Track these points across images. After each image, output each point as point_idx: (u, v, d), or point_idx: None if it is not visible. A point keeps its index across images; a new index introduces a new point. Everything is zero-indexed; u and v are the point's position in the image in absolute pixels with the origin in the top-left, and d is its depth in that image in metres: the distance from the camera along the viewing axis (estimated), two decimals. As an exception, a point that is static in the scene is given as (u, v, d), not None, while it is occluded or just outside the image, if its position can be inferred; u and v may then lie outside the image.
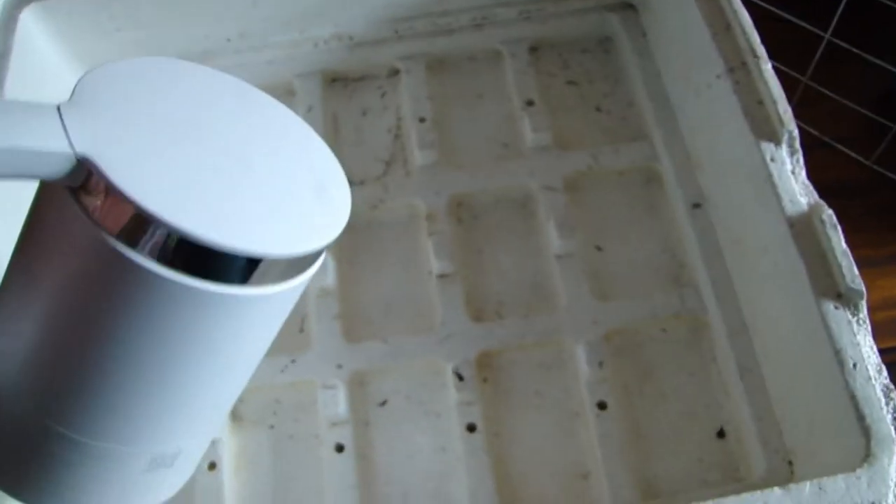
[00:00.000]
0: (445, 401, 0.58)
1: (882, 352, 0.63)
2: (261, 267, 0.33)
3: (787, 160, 0.52)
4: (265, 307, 0.36)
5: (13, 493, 0.39)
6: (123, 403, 0.36)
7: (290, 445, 0.59)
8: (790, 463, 0.53)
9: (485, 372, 0.59)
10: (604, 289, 0.61)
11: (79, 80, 0.33)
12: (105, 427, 0.37)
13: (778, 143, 0.53)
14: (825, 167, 0.70)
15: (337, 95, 0.71)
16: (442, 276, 0.61)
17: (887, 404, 0.46)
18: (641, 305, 0.60)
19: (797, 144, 0.53)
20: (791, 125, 0.52)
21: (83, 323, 0.34)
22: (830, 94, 0.69)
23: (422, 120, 0.67)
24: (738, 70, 0.55)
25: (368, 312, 0.62)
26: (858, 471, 0.44)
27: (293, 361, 0.59)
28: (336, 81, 0.71)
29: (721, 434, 0.57)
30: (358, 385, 0.59)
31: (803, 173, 0.52)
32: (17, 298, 0.36)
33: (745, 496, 0.44)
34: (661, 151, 0.64)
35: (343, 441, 0.57)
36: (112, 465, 0.38)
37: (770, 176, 0.52)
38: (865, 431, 0.45)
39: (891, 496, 0.44)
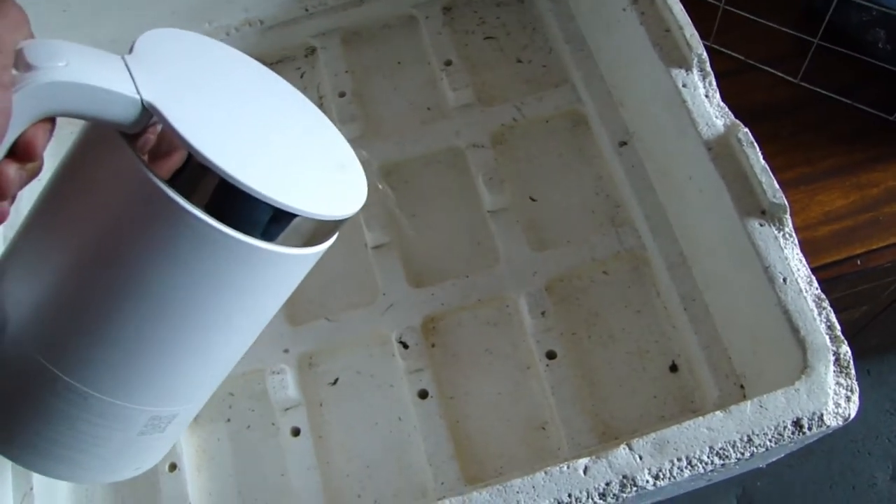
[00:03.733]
0: (396, 370, 0.58)
1: (827, 266, 0.63)
2: (292, 226, 0.35)
3: (700, 84, 0.52)
4: (286, 269, 0.38)
5: (4, 452, 0.39)
6: (138, 355, 0.36)
7: (248, 436, 0.58)
8: (742, 387, 0.53)
9: (432, 337, 0.59)
10: (542, 238, 0.61)
11: (137, 39, 0.35)
12: (114, 380, 0.37)
13: (689, 68, 0.52)
14: (754, 90, 0.70)
15: (257, 81, 0.70)
16: (378, 247, 0.61)
17: (820, 314, 0.46)
18: (580, 250, 0.59)
19: (708, 67, 0.52)
20: (699, 49, 0.52)
21: (115, 266, 0.34)
22: (750, 17, 0.68)
23: (342, 95, 0.66)
24: (642, 0, 0.55)
25: (309, 293, 0.61)
26: (797, 383, 0.44)
27: (241, 352, 0.59)
28: (255, 67, 0.70)
29: (674, 368, 0.57)
30: (307, 367, 0.59)
31: (717, 96, 0.52)
32: (44, 238, 0.36)
33: (687, 424, 0.44)
34: (584, 94, 0.63)
35: (298, 424, 0.57)
36: (111, 424, 0.38)
37: (684, 102, 0.51)
38: (801, 343, 0.45)
39: (830, 403, 0.44)
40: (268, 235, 0.34)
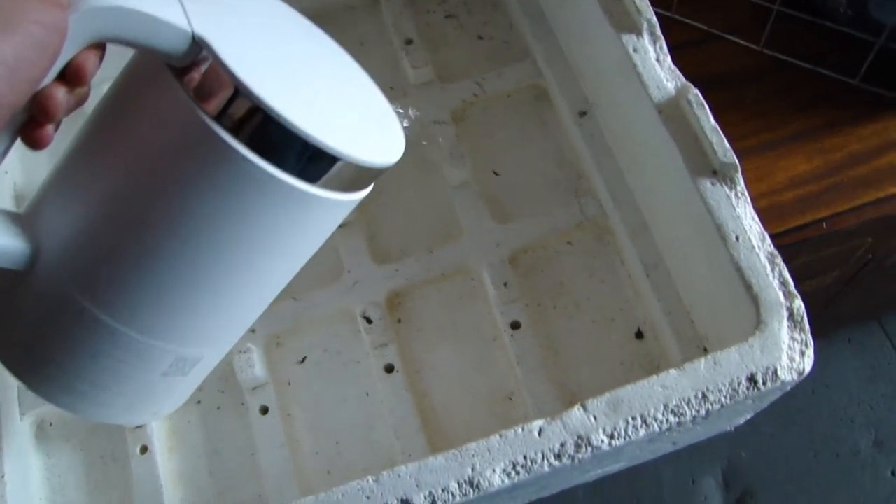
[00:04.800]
0: (362, 347, 0.58)
1: (793, 231, 0.63)
2: (334, 170, 0.35)
3: (650, 49, 0.52)
4: (322, 213, 0.38)
5: (27, 383, 0.39)
6: (168, 291, 0.36)
7: (218, 417, 0.59)
8: (705, 349, 0.53)
9: (397, 312, 0.59)
10: (505, 211, 0.61)
11: None
12: (142, 316, 0.37)
13: (639, 33, 0.52)
14: (717, 59, 0.70)
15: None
16: (342, 225, 0.60)
17: (773, 270, 0.46)
18: (543, 221, 0.59)
19: (658, 31, 0.52)
20: (648, 13, 0.52)
21: (153, 198, 0.35)
22: (710, -14, 0.69)
23: (304, 75, 0.66)
24: (592, -32, 0.55)
25: (276, 274, 0.61)
26: (751, 339, 0.44)
27: (209, 334, 0.59)
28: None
29: (639, 335, 0.57)
30: (275, 346, 0.59)
31: (668, 59, 0.52)
32: (84, 167, 0.36)
33: (642, 383, 0.44)
34: (544, 67, 0.63)
35: (267, 403, 0.57)
36: (135, 362, 0.39)
37: (635, 67, 0.51)
38: (754, 300, 0.45)
39: (784, 358, 0.44)
40: (308, 177, 0.35)
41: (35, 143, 0.33)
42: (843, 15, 0.68)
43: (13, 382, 0.60)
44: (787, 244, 0.63)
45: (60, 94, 0.32)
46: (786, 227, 0.64)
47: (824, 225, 0.64)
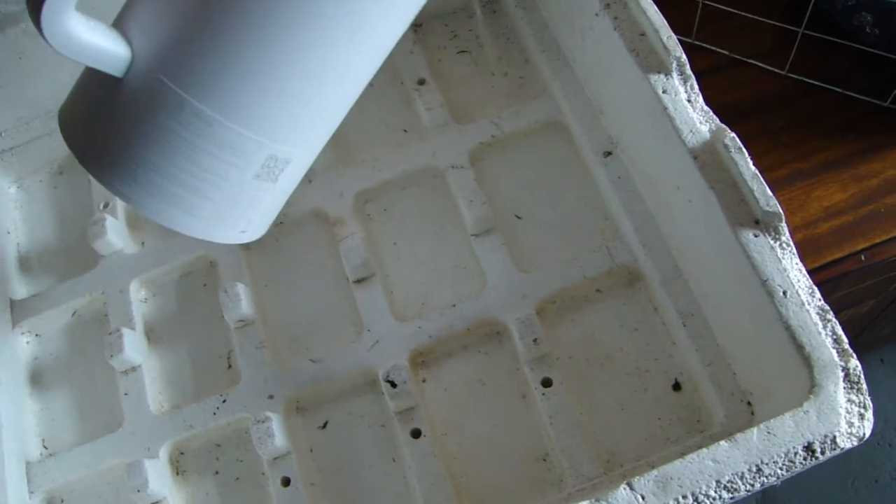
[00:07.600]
0: (386, 410, 0.55)
1: (831, 265, 0.60)
2: None
3: (681, 89, 0.49)
4: None
5: (120, 192, 0.39)
6: (263, 76, 0.37)
7: (237, 488, 0.56)
8: (749, 403, 0.50)
9: (422, 371, 0.56)
10: (529, 258, 0.58)
11: None
12: (238, 103, 0.38)
13: (668, 73, 0.49)
14: (741, 85, 0.67)
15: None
16: (359, 281, 0.58)
17: (825, 328, 0.43)
18: (570, 269, 0.56)
19: (688, 70, 0.49)
20: (678, 51, 0.49)
21: None
22: (732, 10, 0.66)
23: (313, 122, 0.64)
24: (615, 4, 0.52)
25: (292, 333, 0.59)
26: (805, 404, 0.41)
27: (224, 401, 0.56)
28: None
29: (677, 386, 0.54)
30: (294, 411, 0.56)
31: (700, 99, 0.49)
32: None
33: (691, 457, 0.41)
34: (563, 104, 0.60)
35: (288, 473, 0.54)
36: (232, 158, 0.39)
37: (665, 109, 0.49)
38: (806, 360, 0.42)
39: (843, 424, 0.41)
40: None
41: None
42: (870, 35, 0.65)
43: (22, 459, 0.57)
44: (827, 279, 0.60)
45: None
46: (823, 261, 0.61)
47: (863, 257, 0.61)
